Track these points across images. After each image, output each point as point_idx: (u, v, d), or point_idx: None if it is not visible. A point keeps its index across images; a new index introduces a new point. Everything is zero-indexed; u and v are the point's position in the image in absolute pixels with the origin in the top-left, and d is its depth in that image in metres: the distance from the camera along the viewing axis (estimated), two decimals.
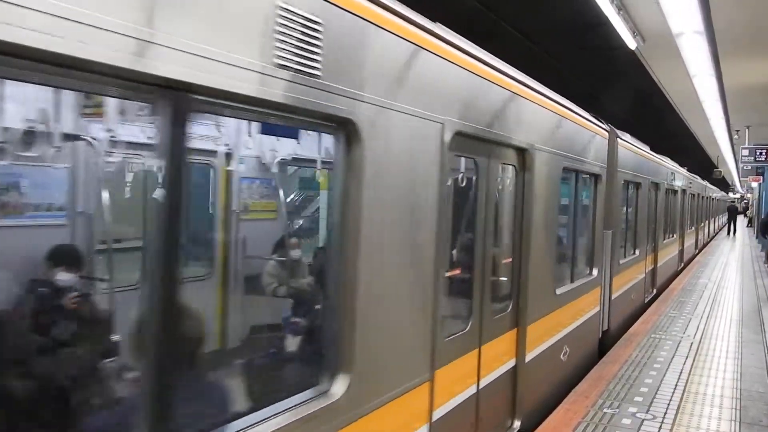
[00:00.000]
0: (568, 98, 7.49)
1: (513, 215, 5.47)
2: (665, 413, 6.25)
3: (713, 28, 9.90)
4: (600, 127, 8.50)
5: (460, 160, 4.65)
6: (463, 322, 4.61)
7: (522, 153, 5.40)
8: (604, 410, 6.27)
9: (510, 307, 5.35)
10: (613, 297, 9.31)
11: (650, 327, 10.31)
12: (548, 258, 6.15)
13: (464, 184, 4.68)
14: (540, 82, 6.33)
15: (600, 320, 8.68)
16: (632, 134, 11.72)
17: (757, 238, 31.30)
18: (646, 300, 12.90)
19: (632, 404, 6.48)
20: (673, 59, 12.44)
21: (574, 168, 7.17)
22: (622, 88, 17.48)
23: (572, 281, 7.37)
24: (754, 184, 34.00)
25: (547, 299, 6.18)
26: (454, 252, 4.80)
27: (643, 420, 6.05)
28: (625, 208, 10.85)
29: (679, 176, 18.12)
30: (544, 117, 6.05)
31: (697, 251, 24.69)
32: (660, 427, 5.90)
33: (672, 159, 17.99)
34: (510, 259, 5.48)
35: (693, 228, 23.08)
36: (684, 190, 19.10)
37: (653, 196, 13.22)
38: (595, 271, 8.27)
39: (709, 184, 33.06)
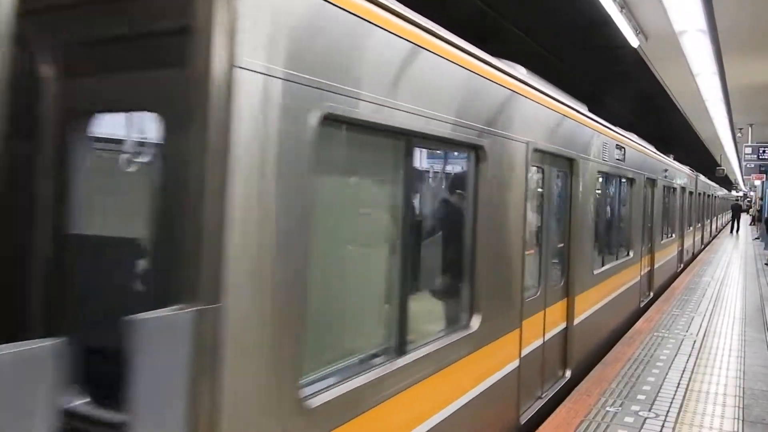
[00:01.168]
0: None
1: None
2: (668, 411, 6.25)
3: (716, 26, 9.90)
4: None
5: None
6: None
7: None
8: (607, 409, 6.28)
9: None
10: None
11: (653, 325, 10.31)
12: None
13: None
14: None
15: None
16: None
17: (760, 239, 31.10)
18: None
19: (635, 402, 6.48)
20: (677, 58, 12.44)
21: None
22: (624, 87, 17.49)
23: None
24: (758, 182, 33.98)
25: None
26: None
27: (645, 418, 6.05)
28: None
29: (642, 158, 11.49)
30: None
31: (680, 266, 18.29)
32: (663, 426, 5.89)
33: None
34: None
35: (674, 236, 16.68)
36: (653, 181, 12.68)
37: (554, 182, 6.73)
38: None
39: (703, 177, 26.61)
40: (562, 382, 6.87)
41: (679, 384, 7.16)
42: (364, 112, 3.09)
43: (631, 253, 10.69)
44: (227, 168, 2.27)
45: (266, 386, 2.54)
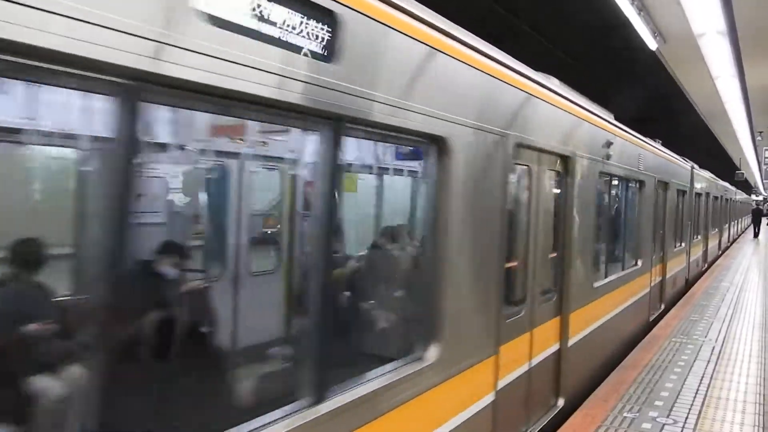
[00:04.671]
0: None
1: None
2: (686, 418, 6.16)
3: (736, 28, 9.78)
4: None
5: None
6: None
7: None
8: (624, 415, 6.20)
9: None
10: None
11: (671, 331, 10.19)
12: None
13: None
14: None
15: None
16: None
17: None
18: None
19: (653, 408, 6.40)
20: (695, 60, 12.31)
21: None
22: (642, 90, 17.33)
23: None
24: None
25: None
26: None
27: (663, 425, 5.97)
28: None
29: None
30: None
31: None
32: None
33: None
34: None
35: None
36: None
37: None
38: None
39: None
40: None
41: (697, 390, 7.06)
42: None
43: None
44: None
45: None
